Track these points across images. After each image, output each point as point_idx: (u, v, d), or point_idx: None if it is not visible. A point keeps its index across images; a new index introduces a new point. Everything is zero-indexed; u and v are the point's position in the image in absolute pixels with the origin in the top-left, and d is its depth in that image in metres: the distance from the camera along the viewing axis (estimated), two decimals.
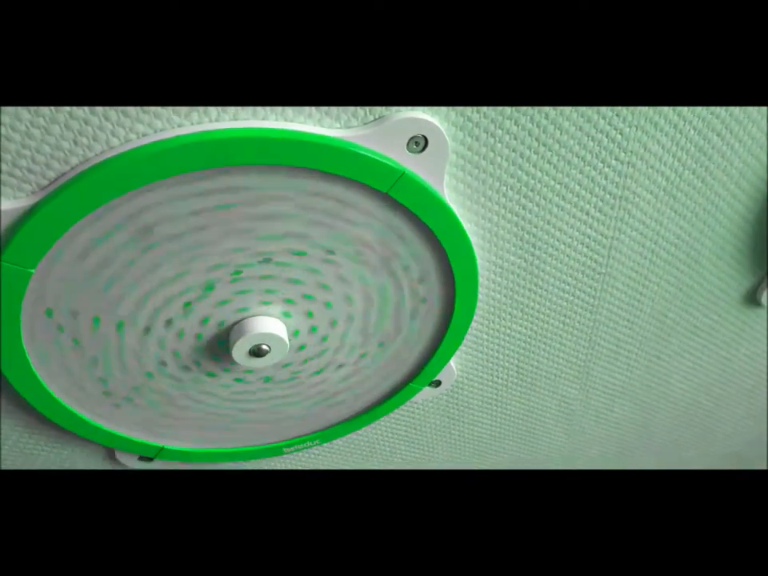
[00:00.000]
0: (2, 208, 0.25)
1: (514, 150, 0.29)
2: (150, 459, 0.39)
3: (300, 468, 0.45)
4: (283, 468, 0.44)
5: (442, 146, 0.27)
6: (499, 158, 0.30)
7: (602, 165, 0.32)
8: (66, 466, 0.39)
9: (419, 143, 0.27)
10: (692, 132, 0.32)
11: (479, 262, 0.34)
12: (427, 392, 0.41)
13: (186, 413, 0.36)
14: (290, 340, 0.33)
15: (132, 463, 0.39)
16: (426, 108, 0.27)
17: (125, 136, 0.25)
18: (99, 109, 0.24)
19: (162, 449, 0.38)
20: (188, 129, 0.25)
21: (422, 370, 0.38)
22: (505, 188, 0.31)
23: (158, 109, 0.24)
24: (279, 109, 0.26)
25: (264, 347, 0.31)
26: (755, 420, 0.60)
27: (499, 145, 0.29)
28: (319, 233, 0.29)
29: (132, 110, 0.24)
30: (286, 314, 0.32)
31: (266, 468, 0.44)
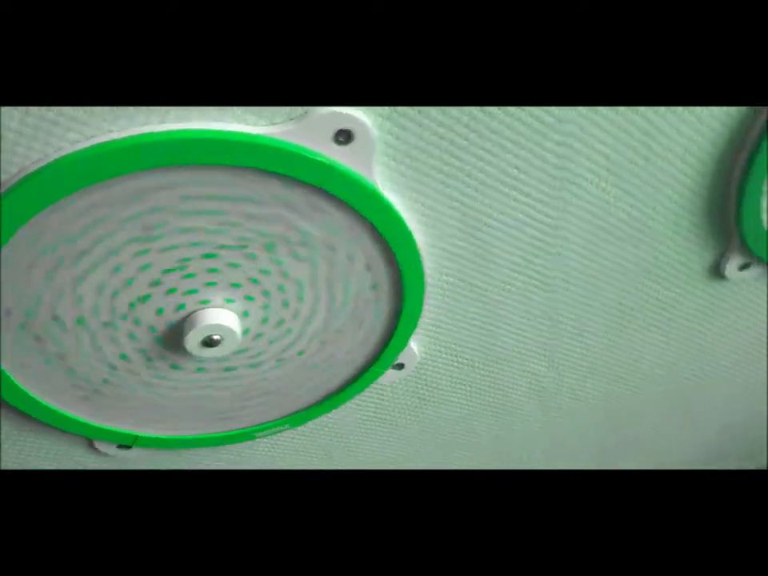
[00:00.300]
0: None
1: (443, 138, 0.30)
2: (128, 447, 0.41)
3: (273, 454, 0.46)
4: (256, 453, 0.46)
5: (368, 137, 0.28)
6: (430, 147, 0.30)
7: (537, 147, 0.32)
8: (50, 456, 0.41)
9: (345, 136, 0.28)
10: (629, 112, 0.32)
11: (425, 247, 0.35)
12: (392, 375, 0.42)
13: (154, 402, 0.38)
14: (245, 331, 0.35)
15: (112, 451, 0.41)
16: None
17: (57, 144, 0.26)
18: (30, 120, 0.25)
19: (137, 437, 0.39)
20: (118, 134, 0.26)
21: (383, 353, 0.39)
22: (440, 175, 0.32)
23: (87, 117, 0.26)
24: (204, 109, 0.27)
25: (216, 337, 0.33)
26: (741, 395, 0.60)
27: (427, 133, 0.30)
28: (257, 228, 0.30)
29: (62, 119, 0.25)
30: (246, 313, 0.34)
31: (239, 468, 0.46)
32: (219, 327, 0.33)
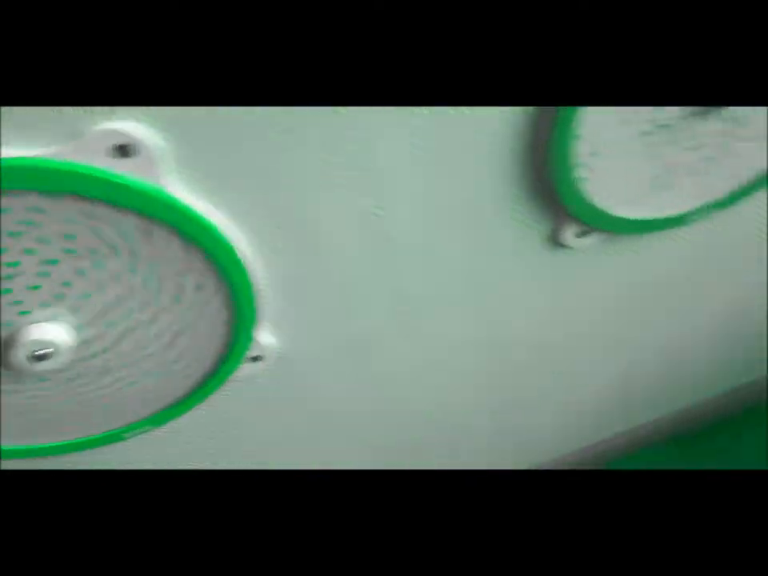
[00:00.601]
0: None
1: (237, 141, 0.31)
2: None
3: (144, 453, 0.48)
4: (127, 453, 0.47)
5: (150, 148, 0.29)
6: (225, 150, 0.31)
7: (339, 142, 0.33)
8: None
9: (124, 150, 0.29)
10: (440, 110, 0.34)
11: (248, 246, 0.36)
12: (251, 368, 0.44)
13: (10, 413, 0.39)
14: (77, 342, 0.36)
15: None
16: (136, 113, 0.28)
17: None
18: None
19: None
20: None
21: (232, 349, 0.41)
22: (244, 177, 0.33)
23: None
24: None
25: (42, 352, 0.34)
26: (603, 358, 0.63)
27: (218, 138, 0.31)
28: (66, 245, 0.31)
29: None
30: (74, 325, 0.35)
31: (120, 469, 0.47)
32: (44, 342, 0.34)
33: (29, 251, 0.31)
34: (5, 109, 0.27)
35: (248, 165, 0.33)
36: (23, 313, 0.34)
